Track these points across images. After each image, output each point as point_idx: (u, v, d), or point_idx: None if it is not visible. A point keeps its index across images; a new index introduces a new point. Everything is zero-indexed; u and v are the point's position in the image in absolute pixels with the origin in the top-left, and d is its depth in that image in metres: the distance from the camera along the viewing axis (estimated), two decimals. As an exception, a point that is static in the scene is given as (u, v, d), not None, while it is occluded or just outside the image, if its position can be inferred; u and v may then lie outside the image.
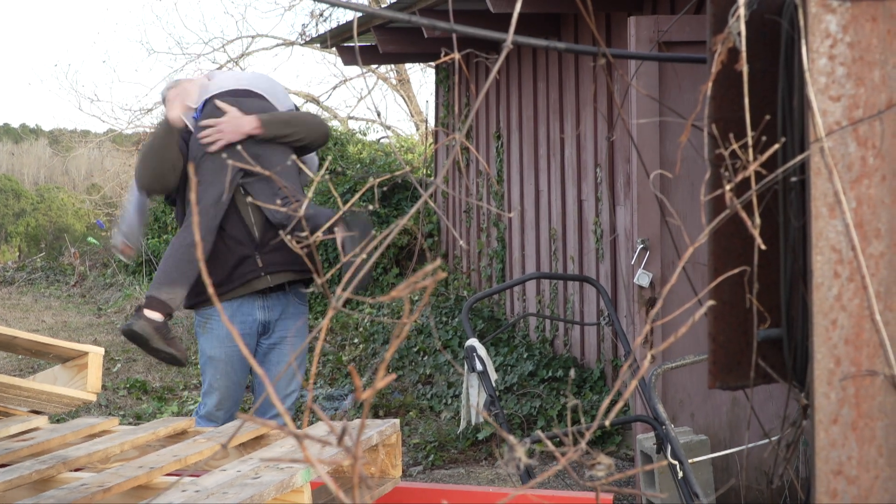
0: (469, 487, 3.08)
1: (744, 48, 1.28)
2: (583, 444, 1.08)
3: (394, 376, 0.86)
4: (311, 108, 15.53)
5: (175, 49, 24.15)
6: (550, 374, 6.44)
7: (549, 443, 1.19)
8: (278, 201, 3.83)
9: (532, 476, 3.30)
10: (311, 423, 6.07)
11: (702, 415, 4.62)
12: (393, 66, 15.13)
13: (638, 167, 4.43)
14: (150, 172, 3.96)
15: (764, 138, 1.35)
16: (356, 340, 8.16)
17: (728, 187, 1.24)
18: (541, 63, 7.08)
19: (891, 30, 1.31)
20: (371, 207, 2.02)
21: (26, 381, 3.11)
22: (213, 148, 3.89)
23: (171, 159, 3.93)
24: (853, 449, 1.33)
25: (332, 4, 1.95)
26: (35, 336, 3.23)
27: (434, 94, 9.47)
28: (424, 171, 10.55)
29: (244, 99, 4.02)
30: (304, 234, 1.27)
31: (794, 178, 1.38)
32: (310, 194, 1.34)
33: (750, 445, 3.54)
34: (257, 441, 2.96)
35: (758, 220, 1.30)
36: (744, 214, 1.25)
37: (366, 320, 8.10)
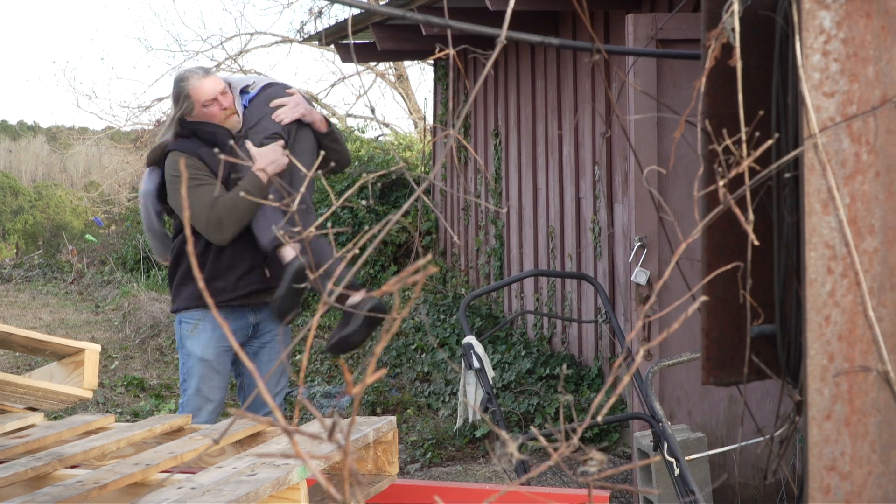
0: (465, 484, 3.08)
1: (738, 44, 1.28)
2: (575, 440, 1.08)
3: (384, 371, 0.86)
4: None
5: (173, 46, 24.13)
6: (548, 371, 6.44)
7: (542, 438, 1.19)
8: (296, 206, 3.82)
9: (528, 472, 3.30)
10: (308, 419, 6.07)
11: (699, 412, 4.62)
12: (391, 63, 15.12)
13: (635, 165, 4.43)
14: (239, 227, 3.84)
15: (758, 134, 1.35)
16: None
17: (721, 183, 1.23)
18: (539, 61, 7.08)
19: (884, 26, 1.31)
20: (364, 203, 2.02)
21: (22, 378, 3.11)
22: (288, 118, 3.88)
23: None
24: (846, 445, 1.33)
25: (330, 1, 1.95)
26: (31, 333, 3.23)
27: (432, 91, 9.46)
28: (423, 169, 10.56)
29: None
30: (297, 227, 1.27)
31: (787, 175, 1.38)
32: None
33: (744, 443, 3.54)
34: (253, 438, 2.96)
35: (751, 216, 1.29)
36: (737, 210, 1.25)
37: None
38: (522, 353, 6.76)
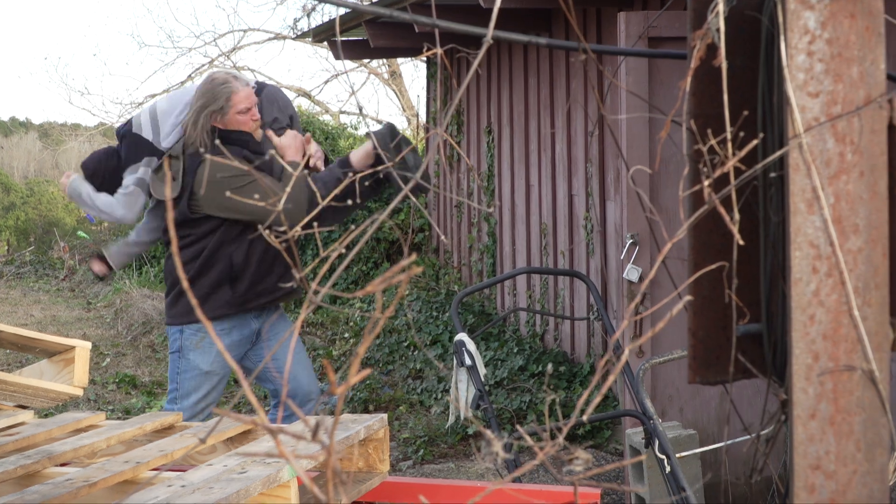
0: (456, 482, 3.09)
1: (723, 44, 1.28)
2: (560, 439, 1.08)
3: (368, 371, 0.86)
4: (303, 103, 15.50)
5: (166, 43, 24.10)
6: (540, 368, 6.45)
7: (527, 437, 1.20)
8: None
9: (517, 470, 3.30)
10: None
11: (690, 409, 4.63)
12: (384, 60, 15.11)
13: (628, 163, 4.44)
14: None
15: (742, 134, 1.35)
16: (347, 335, 8.16)
17: (706, 182, 1.24)
18: (531, 59, 7.08)
19: (869, 26, 1.31)
20: (350, 202, 2.02)
21: (12, 376, 3.10)
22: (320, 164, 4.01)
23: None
24: (831, 444, 1.34)
25: (320, 0, 1.95)
26: (21, 330, 3.22)
27: (425, 88, 9.46)
28: (415, 166, 10.54)
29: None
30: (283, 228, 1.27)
31: (773, 174, 1.39)
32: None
33: (730, 442, 3.55)
34: (244, 436, 2.96)
35: (737, 216, 1.30)
36: (722, 210, 1.25)
37: (356, 315, 8.10)
38: (515, 350, 6.77)
